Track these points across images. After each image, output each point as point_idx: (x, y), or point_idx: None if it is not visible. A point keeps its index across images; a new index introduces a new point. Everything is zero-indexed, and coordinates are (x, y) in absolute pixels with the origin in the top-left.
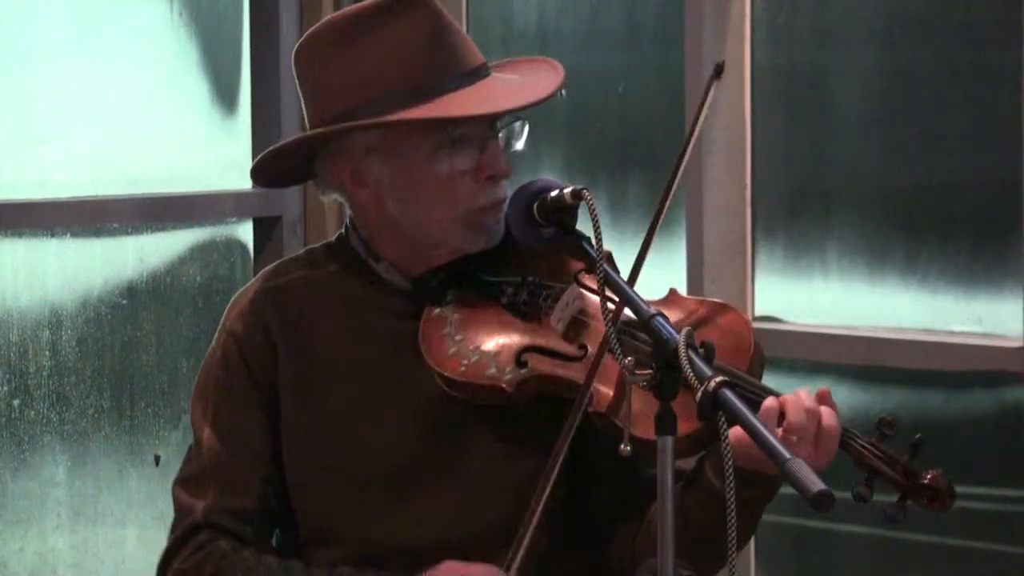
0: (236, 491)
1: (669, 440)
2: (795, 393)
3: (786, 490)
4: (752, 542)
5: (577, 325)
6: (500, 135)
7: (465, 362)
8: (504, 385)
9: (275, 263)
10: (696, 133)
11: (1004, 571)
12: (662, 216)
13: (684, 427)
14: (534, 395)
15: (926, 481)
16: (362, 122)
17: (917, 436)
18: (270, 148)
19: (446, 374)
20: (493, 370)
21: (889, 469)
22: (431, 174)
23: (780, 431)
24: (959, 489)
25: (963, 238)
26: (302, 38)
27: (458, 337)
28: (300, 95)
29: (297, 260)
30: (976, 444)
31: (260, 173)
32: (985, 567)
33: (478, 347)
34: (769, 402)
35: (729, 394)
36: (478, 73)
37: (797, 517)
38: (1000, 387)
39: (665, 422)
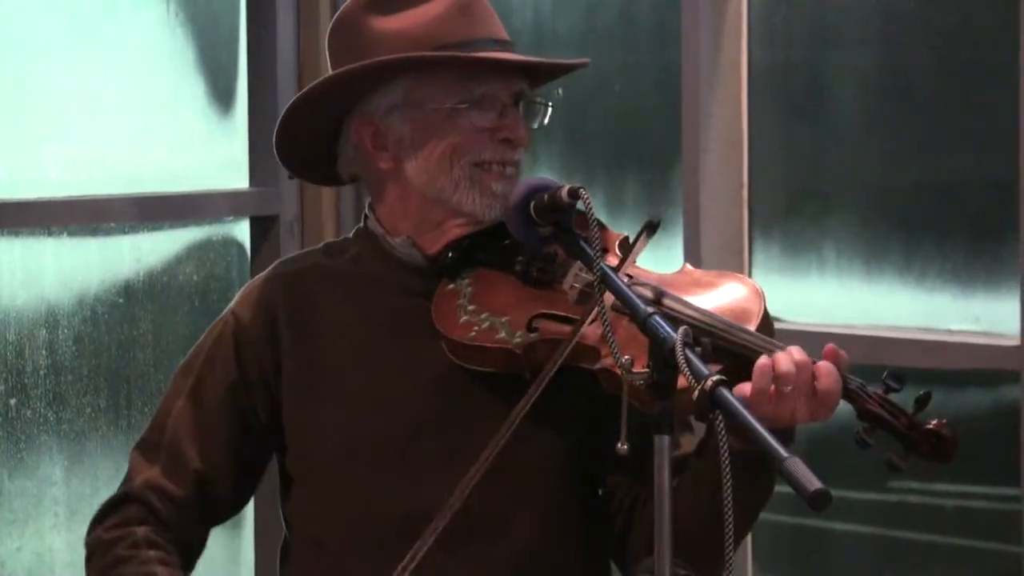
0: (179, 476)
1: (666, 440)
2: (788, 349)
3: (783, 489)
4: (749, 541)
5: (590, 294)
6: (520, 106)
7: (476, 328)
8: (513, 347)
9: (294, 253)
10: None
11: (1001, 570)
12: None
13: (683, 380)
14: (542, 361)
15: (931, 427)
16: (381, 59)
17: (924, 391)
18: (301, 92)
19: (455, 339)
20: (503, 334)
21: (892, 419)
22: (450, 130)
23: (773, 387)
24: (956, 488)
25: (960, 237)
26: (336, 14)
27: (471, 307)
28: (330, 65)
29: (315, 250)
30: (973, 443)
31: (284, 135)
32: (982, 566)
33: (490, 314)
34: (762, 360)
35: (726, 393)
36: (505, 45)
37: (794, 516)
38: (997, 386)
39: (662, 421)
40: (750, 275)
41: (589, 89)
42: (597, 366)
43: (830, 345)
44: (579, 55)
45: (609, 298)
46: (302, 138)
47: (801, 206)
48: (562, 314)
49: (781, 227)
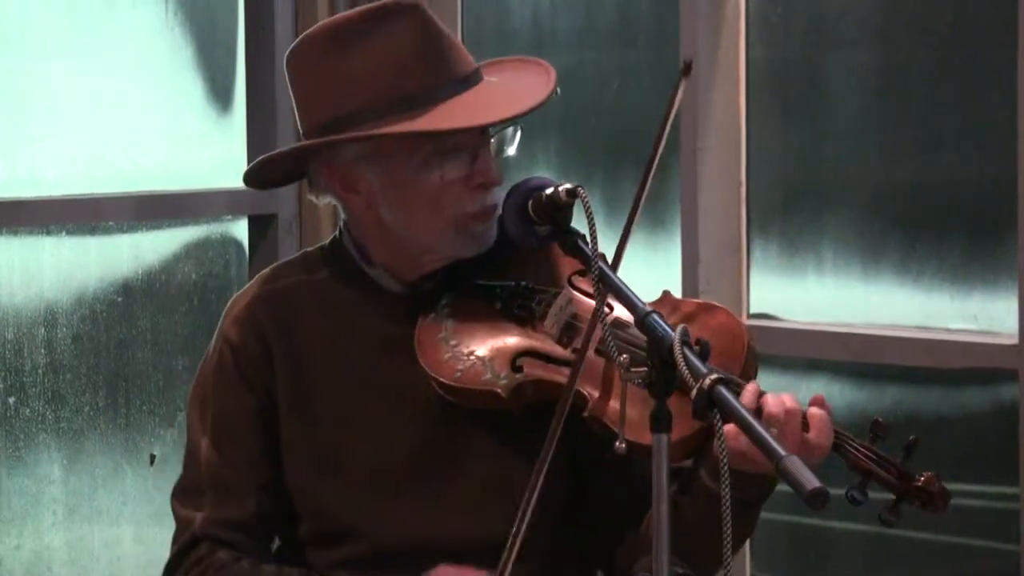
0: (232, 501)
1: (664, 438)
2: (780, 395)
3: (781, 487)
4: (747, 540)
5: (571, 329)
6: (492, 141)
7: (460, 368)
8: (499, 390)
9: (271, 267)
10: (667, 129)
11: (999, 568)
12: (639, 208)
13: (679, 430)
14: (529, 401)
15: (920, 483)
16: (349, 135)
17: (911, 437)
18: (260, 158)
19: (442, 380)
20: (488, 375)
21: (883, 471)
22: (422, 183)
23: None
24: (954, 487)
25: (958, 235)
26: (294, 43)
27: (453, 342)
28: (292, 100)
29: (292, 264)
30: (971, 441)
31: (252, 178)
32: (979, 564)
33: (473, 352)
34: (751, 387)
35: (724, 392)
36: (469, 80)
37: (792, 515)
38: (995, 384)
39: (660, 420)
40: (748, 274)
41: (587, 87)
42: (585, 414)
43: (819, 395)
44: (577, 53)
45: (594, 336)
46: (272, 179)
47: (799, 204)
48: (546, 351)
49: (779, 225)
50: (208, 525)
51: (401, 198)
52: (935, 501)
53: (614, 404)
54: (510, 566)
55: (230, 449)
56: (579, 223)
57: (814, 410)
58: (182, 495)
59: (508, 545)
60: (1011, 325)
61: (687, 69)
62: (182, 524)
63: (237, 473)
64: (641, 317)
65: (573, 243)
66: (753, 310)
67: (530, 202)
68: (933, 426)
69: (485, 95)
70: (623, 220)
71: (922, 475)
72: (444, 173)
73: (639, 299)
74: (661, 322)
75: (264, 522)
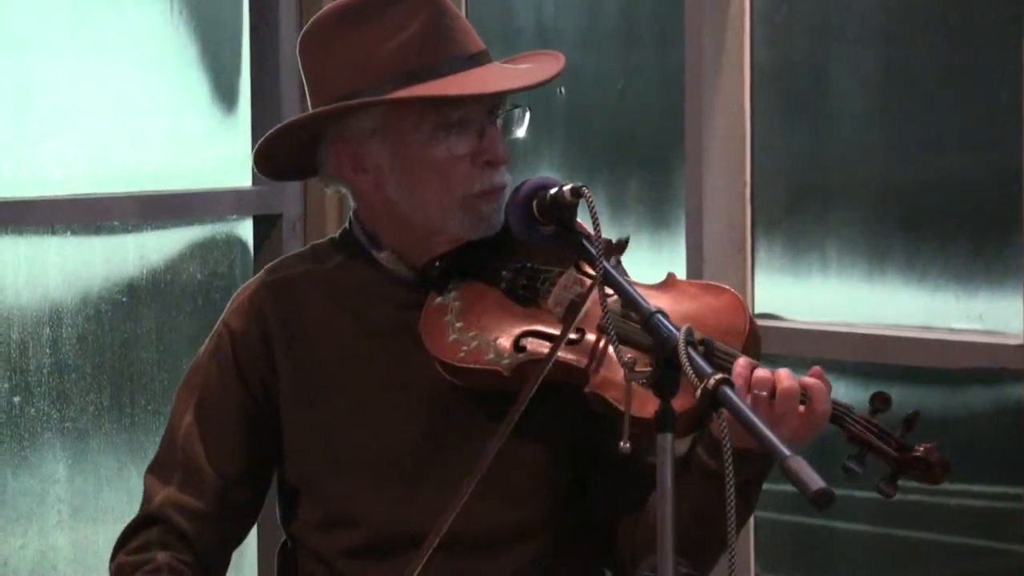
0: (197, 488)
1: (669, 437)
2: (775, 373)
3: (785, 487)
4: (751, 539)
5: (574, 309)
6: (499, 121)
7: (464, 348)
8: (501, 370)
9: (279, 258)
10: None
11: (1004, 569)
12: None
13: (679, 403)
14: (532, 380)
15: (918, 453)
16: (359, 100)
17: (912, 411)
18: (271, 130)
19: (445, 360)
20: (492, 355)
21: (882, 443)
22: (429, 157)
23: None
24: (958, 487)
25: (963, 235)
26: (306, 26)
27: (458, 324)
28: (304, 83)
29: (301, 255)
30: (975, 441)
31: (262, 158)
32: (985, 565)
33: (477, 333)
34: (742, 360)
35: (729, 392)
36: (477, 59)
37: (796, 515)
38: (1000, 384)
39: (665, 420)
40: (752, 274)
41: (591, 87)
42: (587, 390)
43: (817, 368)
44: (581, 53)
45: (595, 315)
46: (280, 161)
47: (804, 204)
48: (550, 331)
49: (784, 225)
50: (166, 506)
51: (409, 174)
52: (934, 471)
53: (615, 379)
54: (430, 550)
55: (208, 435)
56: (582, 222)
57: (808, 380)
58: (155, 467)
59: (435, 530)
60: (1016, 325)
61: (621, 248)
62: (147, 495)
63: (209, 460)
64: (646, 317)
65: (577, 242)
66: (757, 310)
67: (534, 201)
68: (938, 426)
69: (492, 71)
70: (627, 219)
71: (921, 446)
72: (451, 147)
73: (643, 298)
74: (666, 322)
75: (225, 515)
